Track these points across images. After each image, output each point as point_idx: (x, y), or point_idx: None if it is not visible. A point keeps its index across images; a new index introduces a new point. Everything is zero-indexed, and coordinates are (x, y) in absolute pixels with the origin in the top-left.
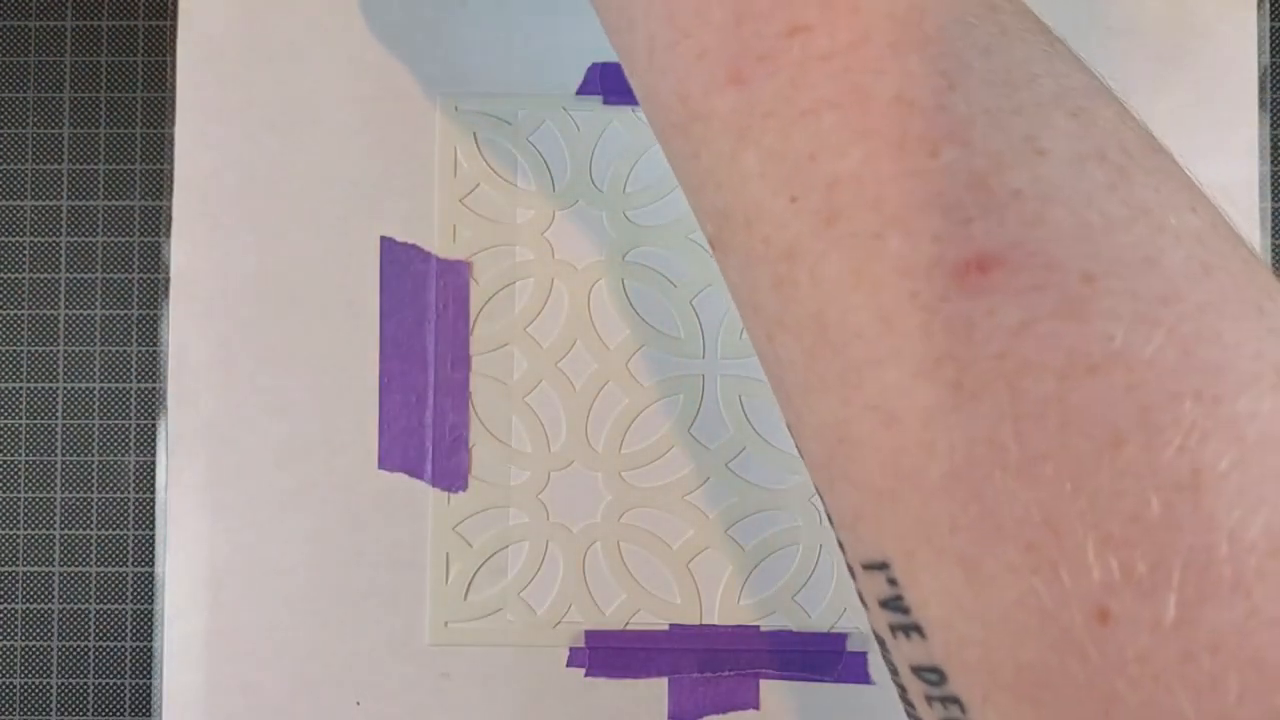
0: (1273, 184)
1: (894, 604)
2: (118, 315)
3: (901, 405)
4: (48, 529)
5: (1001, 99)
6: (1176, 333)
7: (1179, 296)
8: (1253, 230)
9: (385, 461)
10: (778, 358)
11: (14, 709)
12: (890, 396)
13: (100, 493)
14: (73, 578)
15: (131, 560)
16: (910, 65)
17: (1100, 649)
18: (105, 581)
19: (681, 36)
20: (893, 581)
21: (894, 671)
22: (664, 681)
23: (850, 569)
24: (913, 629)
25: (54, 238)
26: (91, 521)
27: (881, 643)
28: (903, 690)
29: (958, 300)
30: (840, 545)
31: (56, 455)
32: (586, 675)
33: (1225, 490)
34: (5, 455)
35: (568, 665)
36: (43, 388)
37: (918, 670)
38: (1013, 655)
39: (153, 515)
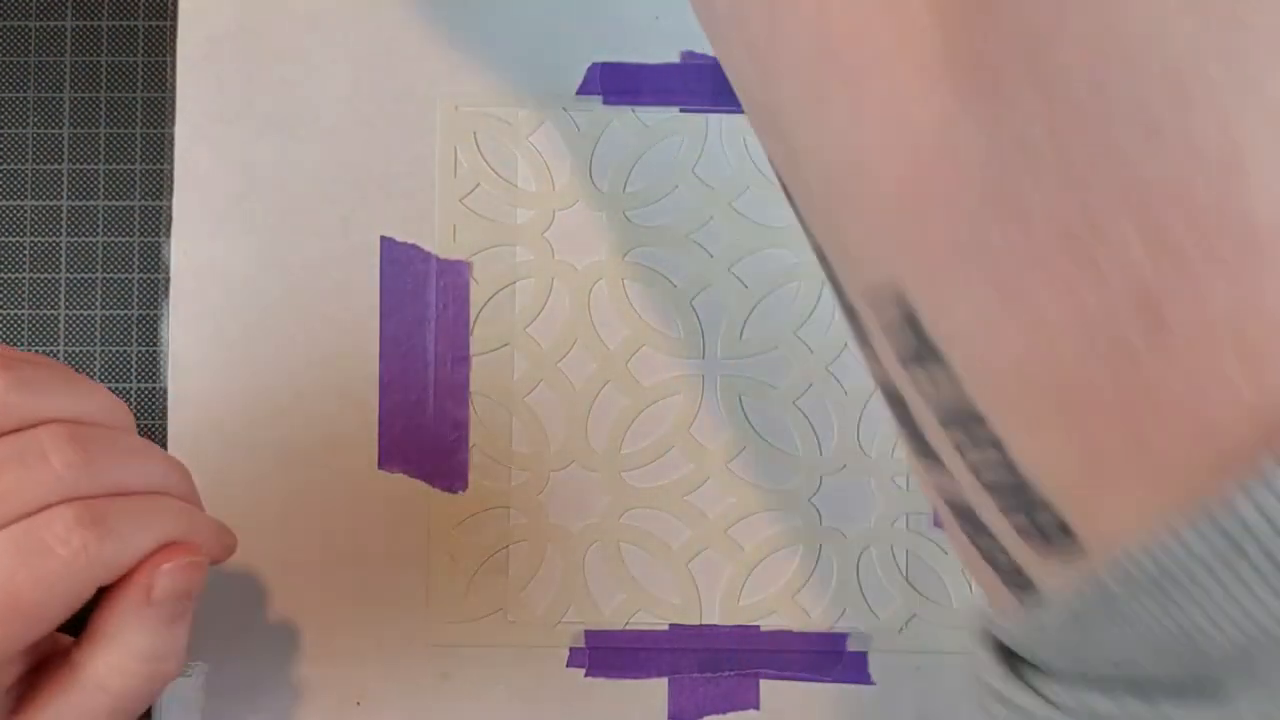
0: None
1: (906, 328)
2: (118, 315)
3: (918, 111)
4: None
5: None
6: (1210, 12)
7: None
8: None
9: (385, 461)
10: (771, 85)
11: None
12: (904, 103)
13: None
14: None
15: None
16: None
17: (1147, 338)
18: None
19: None
20: (905, 307)
21: (898, 404)
22: (664, 681)
23: (848, 308)
24: (929, 355)
25: (54, 238)
26: None
27: (889, 388)
28: (913, 431)
29: None
30: (836, 283)
31: None
32: (586, 675)
33: (1265, 161)
34: None
35: (568, 665)
36: None
37: (936, 403)
38: (1051, 362)
39: None
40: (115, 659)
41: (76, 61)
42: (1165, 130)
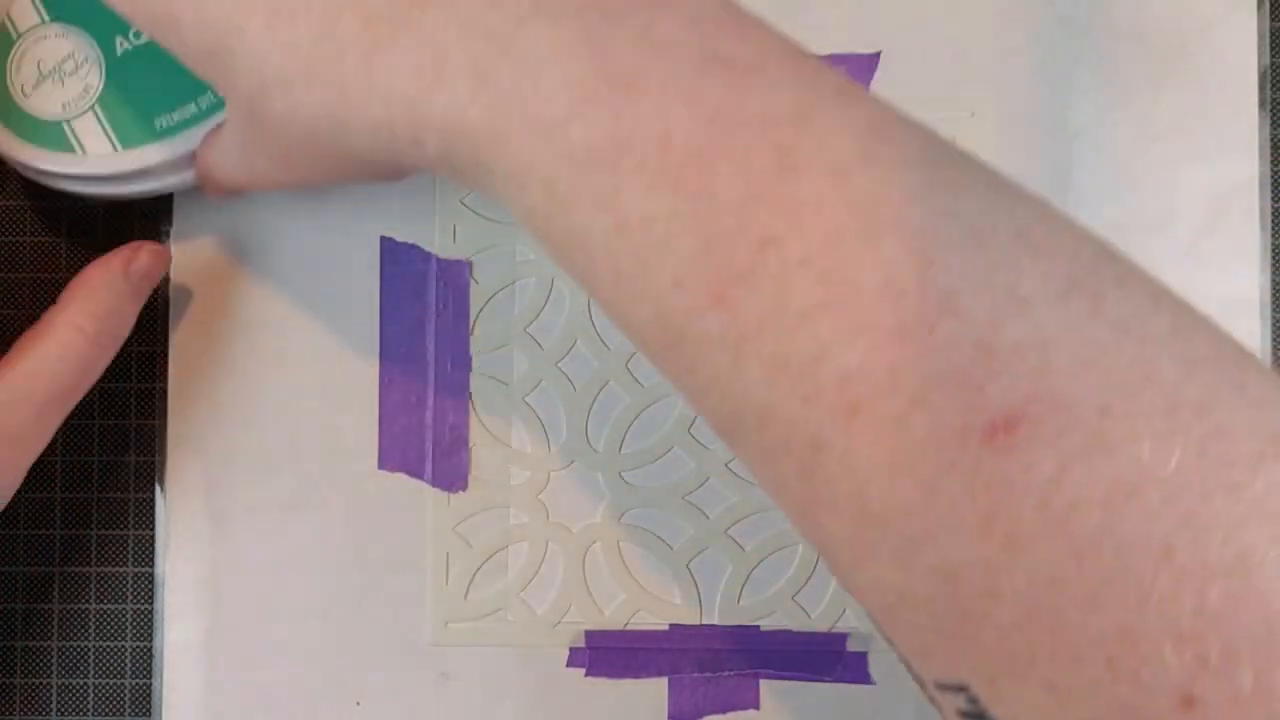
0: (1273, 184)
1: (976, 714)
2: None
3: (961, 564)
4: (48, 529)
5: (975, 257)
6: (1190, 438)
7: (1180, 402)
8: (1253, 230)
9: (385, 461)
10: (815, 529)
11: (14, 709)
12: (949, 558)
13: (100, 493)
14: (73, 577)
15: (131, 560)
16: (886, 251)
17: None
18: (105, 581)
19: (651, 268)
20: (973, 699)
21: None
22: (664, 681)
23: (919, 681)
24: None
25: (54, 238)
26: (91, 521)
27: None
28: None
29: (993, 462)
30: (906, 664)
31: (56, 455)
32: (586, 675)
33: (1269, 565)
34: None
35: (568, 665)
36: None
37: None
38: None
39: (153, 515)
40: (88, 306)
41: None
42: (1178, 553)
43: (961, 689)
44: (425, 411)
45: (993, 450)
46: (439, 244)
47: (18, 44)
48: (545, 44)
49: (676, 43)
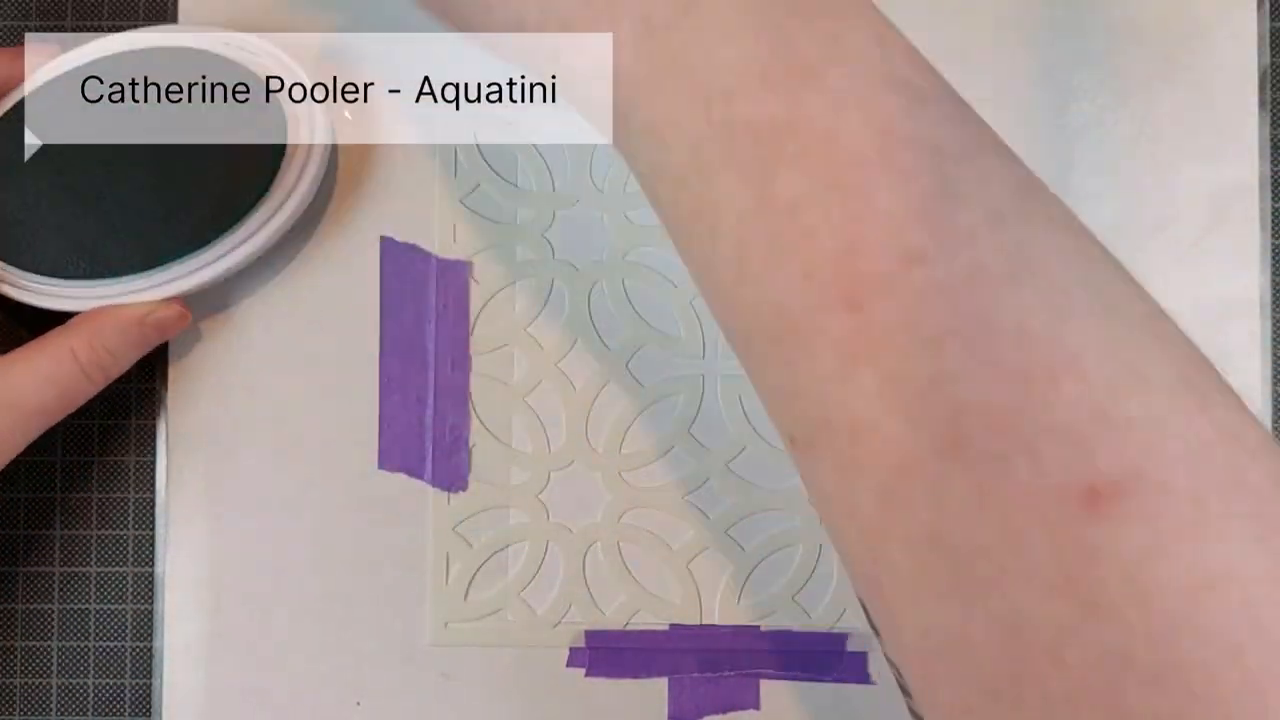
0: (1273, 184)
1: None
2: None
3: (1031, 618)
4: (48, 529)
5: (1104, 328)
6: (1270, 548)
7: (1266, 513)
8: (1253, 230)
9: (385, 461)
10: (878, 558)
11: (14, 709)
12: (1021, 611)
13: (100, 492)
14: (73, 577)
15: (131, 560)
16: (1025, 297)
17: None
18: (105, 581)
19: (786, 254)
20: None
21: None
22: (664, 681)
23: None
24: None
25: None
26: (91, 521)
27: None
28: None
29: (1086, 526)
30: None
31: (56, 455)
32: (586, 675)
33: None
34: None
35: (568, 665)
36: None
37: None
38: None
39: (153, 515)
40: (89, 338)
41: None
42: (1248, 654)
43: None
44: (425, 411)
45: (1089, 514)
46: (439, 244)
47: None
48: (730, 17)
49: (861, 54)
